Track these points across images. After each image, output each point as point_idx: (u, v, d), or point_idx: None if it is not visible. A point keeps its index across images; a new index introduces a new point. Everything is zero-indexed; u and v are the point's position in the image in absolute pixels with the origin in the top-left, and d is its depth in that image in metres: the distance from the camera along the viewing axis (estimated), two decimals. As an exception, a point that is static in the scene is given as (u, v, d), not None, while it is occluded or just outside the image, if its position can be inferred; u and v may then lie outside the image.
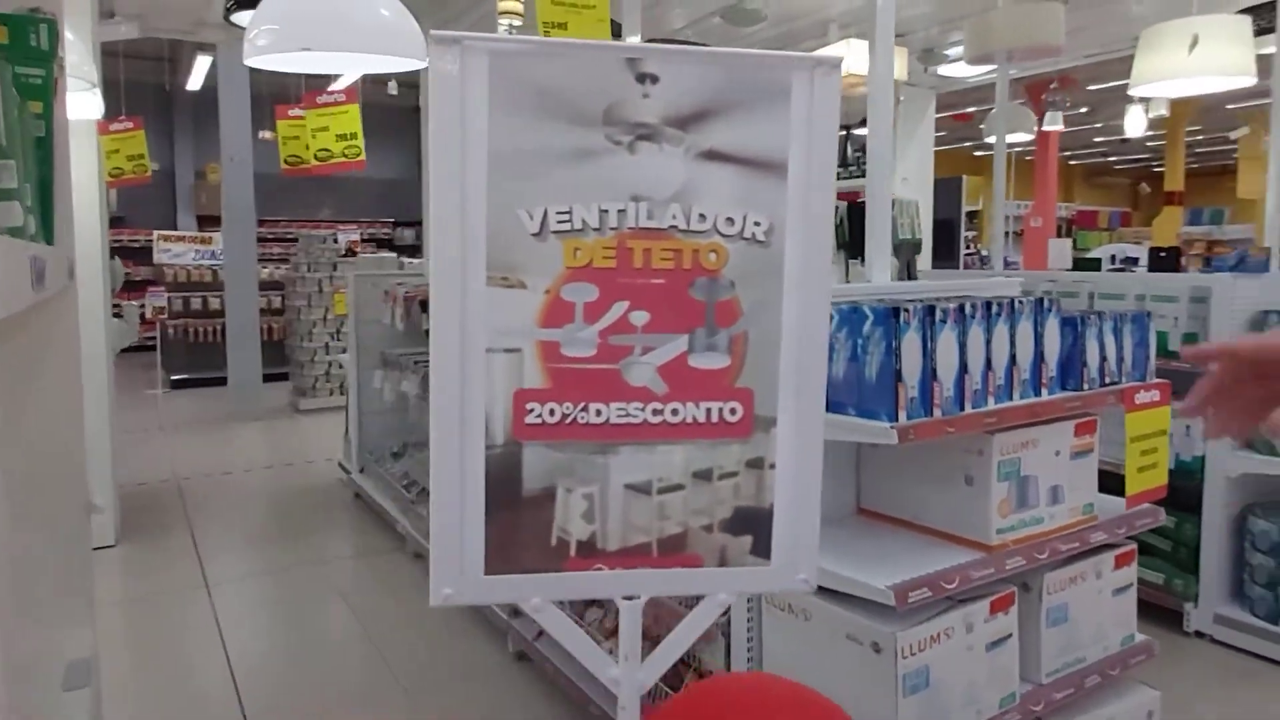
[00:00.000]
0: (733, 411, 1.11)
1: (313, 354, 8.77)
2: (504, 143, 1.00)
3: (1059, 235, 10.51)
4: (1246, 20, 3.73)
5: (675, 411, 1.09)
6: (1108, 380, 2.33)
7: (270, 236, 12.82)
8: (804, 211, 1.08)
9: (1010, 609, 2.08)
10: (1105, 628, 2.30)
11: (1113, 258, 9.19)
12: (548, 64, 0.99)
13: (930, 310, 2.00)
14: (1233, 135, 7.34)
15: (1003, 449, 2.09)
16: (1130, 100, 9.12)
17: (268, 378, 9.54)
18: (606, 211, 1.03)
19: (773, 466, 1.14)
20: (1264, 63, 4.13)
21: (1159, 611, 3.40)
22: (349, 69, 4.21)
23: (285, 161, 5.95)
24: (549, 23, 2.90)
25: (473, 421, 1.03)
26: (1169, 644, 3.27)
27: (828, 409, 1.94)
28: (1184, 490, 3.33)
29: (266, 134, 7.46)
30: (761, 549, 1.16)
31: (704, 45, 7.61)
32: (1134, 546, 2.38)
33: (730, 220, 1.08)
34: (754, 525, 1.15)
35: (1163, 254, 5.30)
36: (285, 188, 11.79)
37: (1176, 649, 3.29)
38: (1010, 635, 2.08)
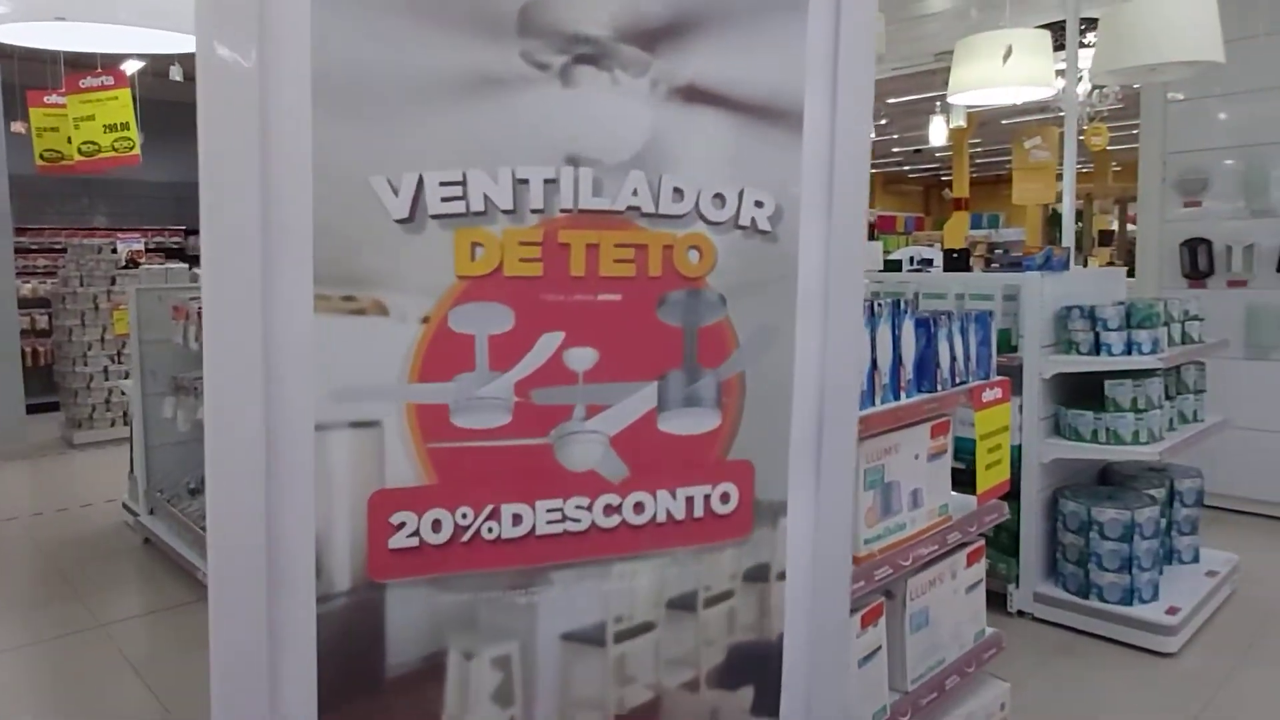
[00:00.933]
0: (724, 498, 0.68)
1: (88, 380, 7.76)
2: (340, 60, 0.53)
3: (869, 239, 11.17)
4: (1048, 35, 4.00)
5: (640, 507, 0.66)
6: (958, 380, 2.35)
7: (34, 247, 11.23)
8: (829, 187, 0.66)
9: (879, 620, 2.04)
10: (961, 626, 2.33)
11: (911, 259, 9.86)
12: None
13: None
14: (1025, 143, 8.08)
15: (868, 456, 2.05)
16: (934, 111, 9.79)
17: (34, 408, 8.31)
18: (526, 182, 0.59)
19: (782, 577, 0.72)
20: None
21: (987, 596, 3.56)
22: (117, 46, 3.62)
23: (40, 157, 5.13)
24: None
25: (292, 558, 0.55)
26: (997, 625, 3.42)
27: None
28: (1009, 481, 3.51)
29: (19, 126, 6.41)
30: (768, 705, 0.73)
31: None
32: (983, 543, 2.42)
33: (720, 199, 0.65)
34: (756, 670, 0.72)
35: (955, 255, 5.68)
36: (49, 190, 10.39)
37: (1004, 629, 3.43)
38: (880, 647, 2.04)
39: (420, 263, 0.59)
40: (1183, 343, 3.79)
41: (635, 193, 0.63)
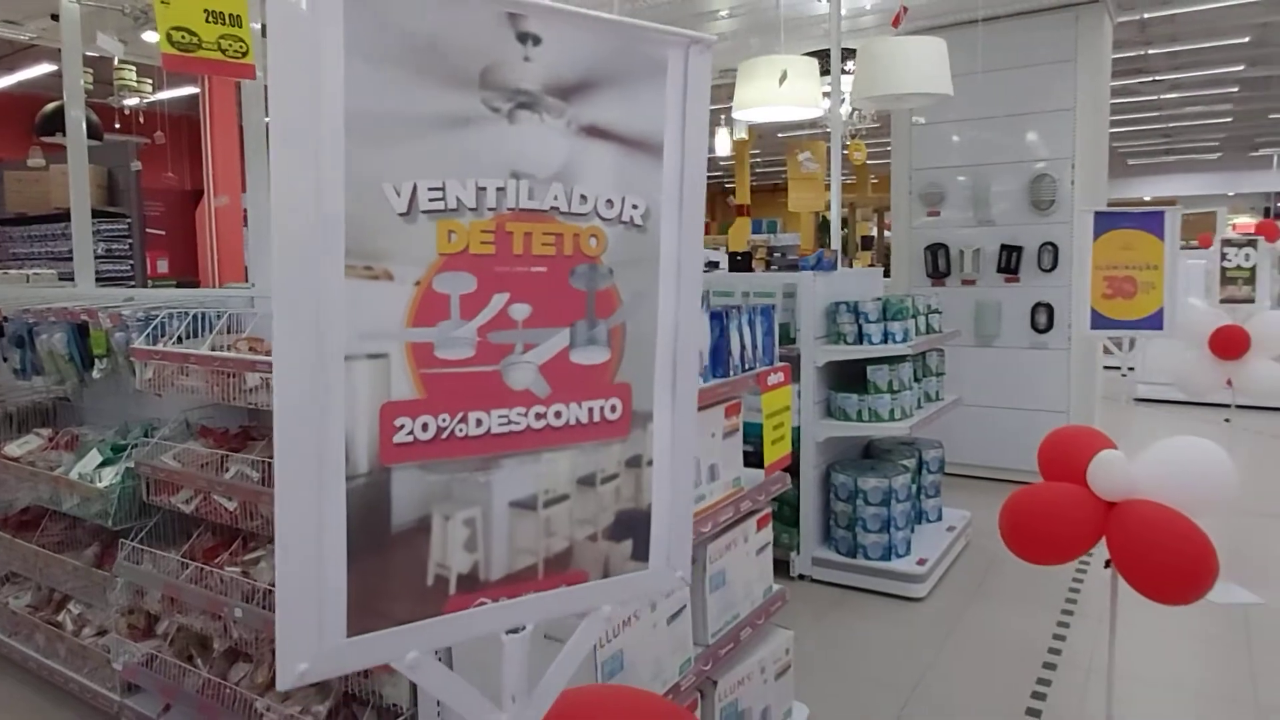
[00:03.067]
0: (613, 409, 1.03)
1: None
2: (365, 101, 0.82)
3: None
4: (815, 62, 4.48)
5: (558, 414, 0.99)
6: (748, 366, 2.64)
7: None
8: (679, 196, 1.03)
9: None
10: (752, 584, 2.62)
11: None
12: (418, 8, 0.84)
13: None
14: (799, 157, 8.88)
15: (671, 434, 2.27)
16: (719, 124, 10.43)
17: None
18: (484, 189, 0.90)
19: (650, 463, 1.07)
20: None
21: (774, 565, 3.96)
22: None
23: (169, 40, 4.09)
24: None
25: (330, 449, 0.82)
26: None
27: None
28: (790, 458, 3.92)
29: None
30: (640, 552, 1.10)
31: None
32: (770, 510, 2.74)
33: (610, 203, 0.99)
34: (634, 528, 1.08)
35: (739, 257, 6.21)
36: None
37: (788, 591, 3.86)
38: (685, 606, 2.27)
39: (414, 243, 0.88)
40: (927, 333, 4.41)
41: (556, 197, 0.95)
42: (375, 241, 0.83)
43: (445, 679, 0.96)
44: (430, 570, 0.90)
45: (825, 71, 4.96)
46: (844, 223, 15.79)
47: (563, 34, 0.91)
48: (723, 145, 10.12)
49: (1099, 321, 2.46)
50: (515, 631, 1.00)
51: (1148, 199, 23.89)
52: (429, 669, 0.93)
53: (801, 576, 4.02)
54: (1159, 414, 7.73)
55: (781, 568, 3.99)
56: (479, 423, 0.90)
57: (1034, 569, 2.25)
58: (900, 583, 3.80)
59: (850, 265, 11.18)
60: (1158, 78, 15.34)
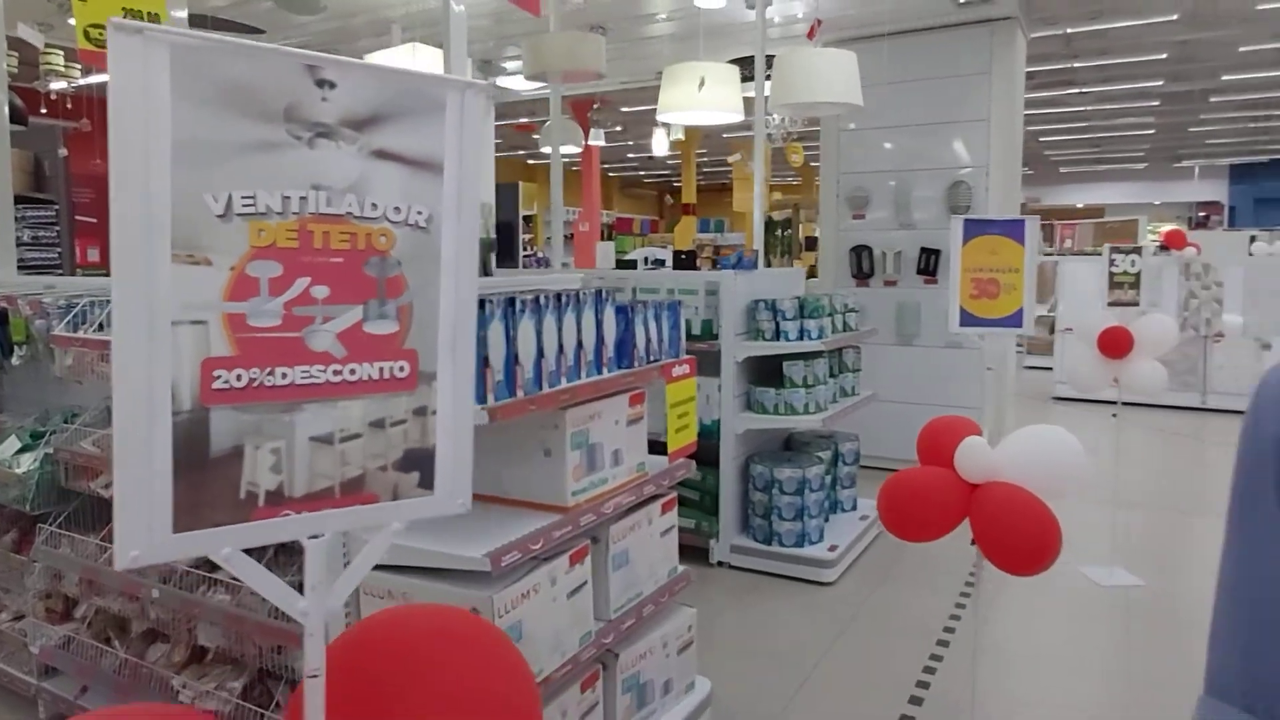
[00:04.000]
0: (401, 369, 1.27)
1: None
2: (189, 132, 1.04)
3: (603, 239, 11.82)
4: (737, 69, 4.66)
5: (353, 371, 1.22)
6: (653, 358, 2.79)
7: None
8: (457, 206, 1.28)
9: (585, 559, 2.41)
10: (656, 564, 2.77)
11: (646, 259, 10.67)
12: (231, 61, 1.06)
13: (511, 302, 2.23)
14: (729, 160, 9.10)
15: (575, 422, 2.41)
16: (656, 124, 10.62)
17: None
18: (289, 198, 1.12)
19: (434, 413, 1.31)
20: (749, 103, 5.18)
21: (693, 551, 4.13)
22: None
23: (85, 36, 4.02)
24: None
25: (158, 391, 1.05)
26: (701, 575, 4.00)
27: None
28: (706, 448, 4.09)
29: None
30: (427, 482, 1.33)
31: (250, 26, 6.97)
32: (675, 494, 2.89)
33: (398, 210, 1.23)
34: (420, 463, 1.32)
35: (683, 256, 6.39)
36: None
37: (706, 577, 4.04)
38: (586, 582, 2.41)
39: (229, 239, 1.10)
40: (844, 331, 4.61)
41: (350, 205, 1.20)
42: (197, 237, 1.07)
43: (254, 570, 1.17)
44: (243, 486, 1.13)
45: (746, 78, 5.15)
46: (788, 223, 16.07)
47: (354, 80, 1.16)
48: (659, 146, 10.30)
49: (966, 320, 2.66)
50: (316, 538, 1.23)
51: (1080, 205, 24.77)
52: (240, 561, 1.16)
53: (721, 563, 4.19)
54: (1072, 410, 8.10)
55: (702, 555, 4.17)
56: (284, 376, 1.14)
57: (938, 555, 2.44)
58: (811, 568, 4.00)
59: (792, 265, 11.43)
60: (1085, 89, 15.95)
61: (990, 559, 2.32)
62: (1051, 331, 9.40)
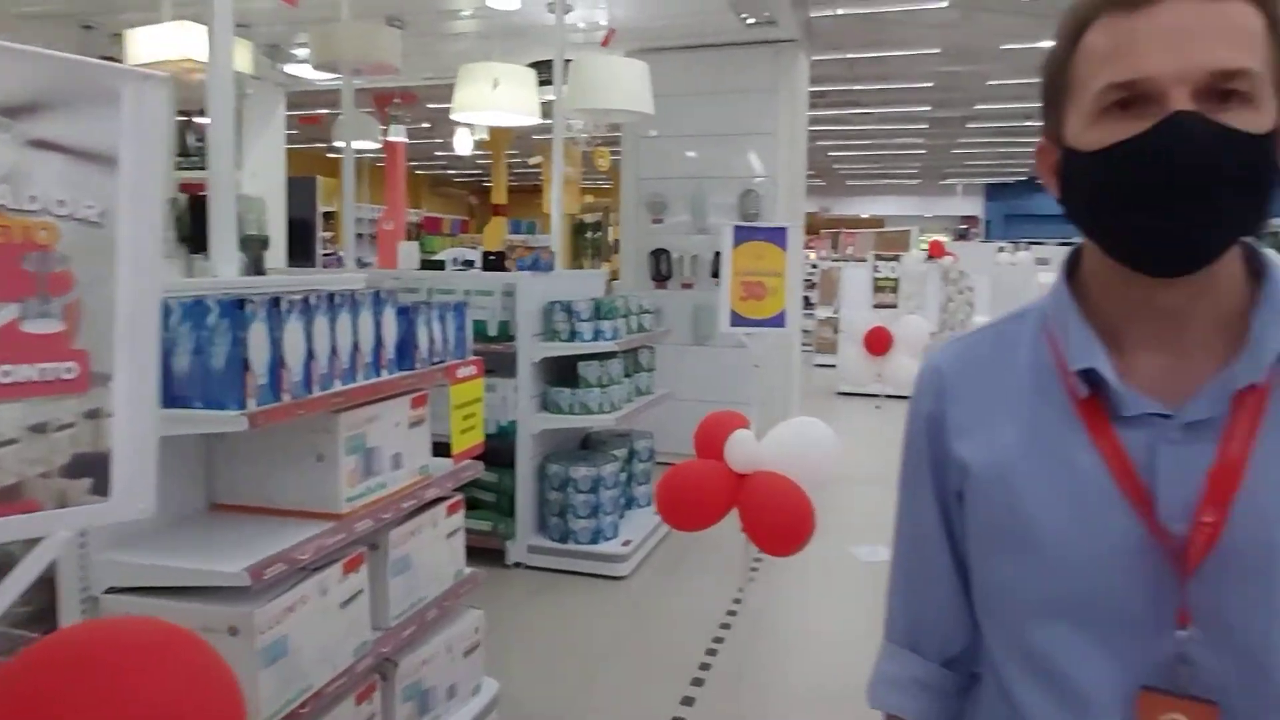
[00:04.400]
0: (70, 370, 1.19)
1: None
2: None
3: (409, 239, 11.49)
4: (533, 72, 4.69)
5: (7, 374, 1.13)
6: (436, 360, 2.76)
7: None
8: (134, 200, 1.20)
9: (361, 568, 2.34)
10: (441, 568, 2.74)
11: (455, 260, 10.47)
12: None
13: (276, 302, 2.13)
14: (530, 161, 9.15)
15: (349, 425, 2.33)
16: (458, 122, 10.45)
17: None
18: None
19: (110, 415, 1.24)
20: (548, 107, 5.23)
21: (489, 553, 4.11)
22: None
23: None
24: None
25: None
26: (497, 577, 3.99)
27: (172, 404, 1.93)
28: (503, 449, 4.09)
29: None
30: (101, 488, 1.25)
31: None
32: (461, 497, 2.87)
33: (62, 203, 1.15)
34: (93, 468, 1.24)
35: (492, 257, 6.34)
36: None
37: (502, 579, 4.03)
38: (362, 591, 2.34)
39: None
40: (639, 331, 4.76)
41: (3, 197, 1.11)
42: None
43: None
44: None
45: (544, 82, 5.19)
46: (599, 225, 16.30)
47: (10, 66, 1.09)
48: (463, 145, 10.15)
49: (736, 320, 2.84)
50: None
51: (865, 216, 26.93)
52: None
53: (517, 564, 4.20)
54: (850, 403, 8.72)
55: (498, 556, 4.15)
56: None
57: (726, 543, 2.57)
58: (605, 563, 4.09)
59: (602, 267, 11.57)
60: (867, 110, 17.38)
61: (755, 542, 2.50)
62: (835, 332, 10.16)
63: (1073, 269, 0.86)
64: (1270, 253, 0.82)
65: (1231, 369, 0.74)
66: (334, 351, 2.32)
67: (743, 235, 2.79)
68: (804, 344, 12.94)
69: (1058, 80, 0.79)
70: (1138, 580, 0.74)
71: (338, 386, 2.32)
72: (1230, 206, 0.70)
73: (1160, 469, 0.74)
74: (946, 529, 0.90)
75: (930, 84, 15.04)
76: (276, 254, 6.98)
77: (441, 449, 2.81)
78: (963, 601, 0.90)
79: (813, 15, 7.57)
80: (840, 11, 10.03)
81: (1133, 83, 0.70)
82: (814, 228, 22.95)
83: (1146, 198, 0.70)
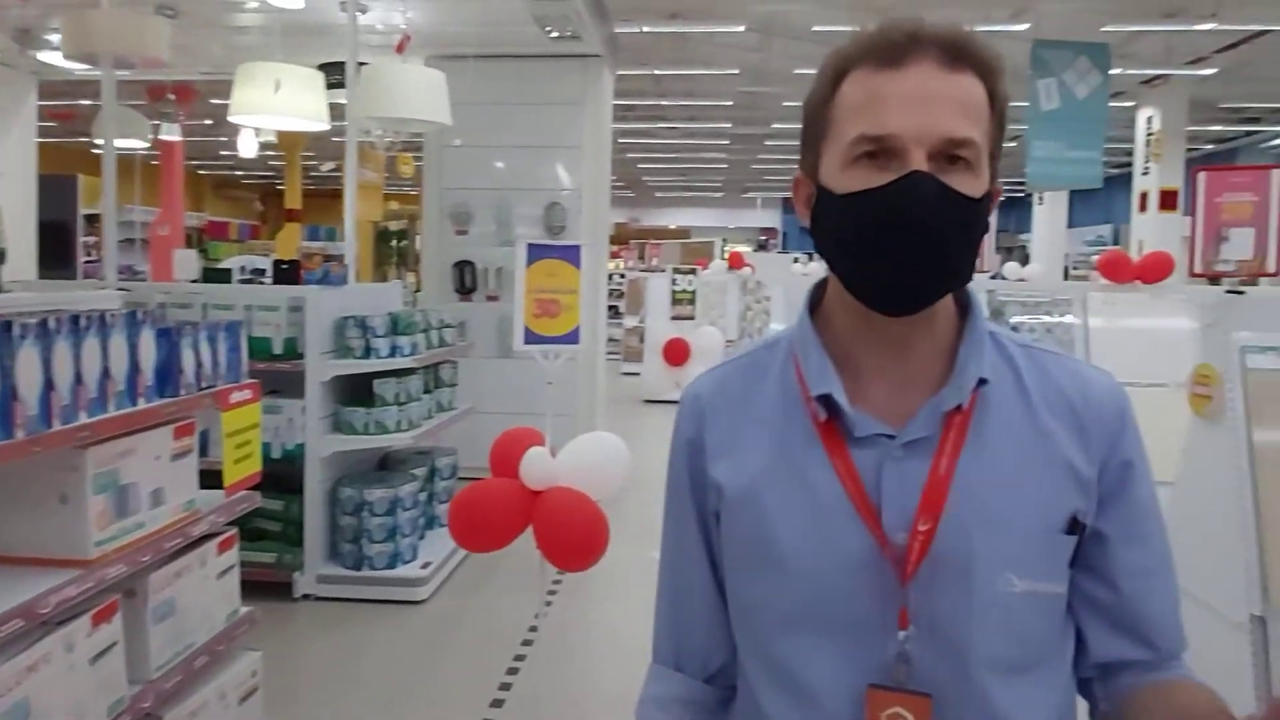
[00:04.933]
0: None
1: None
2: None
3: (189, 245, 10.57)
4: (320, 75, 4.47)
5: None
6: (204, 385, 2.55)
7: None
8: None
9: (114, 618, 2.12)
10: (212, 610, 2.53)
11: (243, 268, 9.75)
12: None
13: (7, 326, 1.90)
14: (323, 167, 8.70)
15: (99, 461, 2.11)
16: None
17: None
18: None
19: None
20: (340, 111, 5.00)
21: (274, 587, 3.86)
22: None
23: None
24: None
25: None
26: (282, 612, 3.75)
27: None
28: (288, 475, 3.85)
29: None
30: None
31: None
32: (235, 531, 2.67)
33: None
34: None
35: (285, 266, 5.94)
36: None
37: (288, 615, 3.79)
38: (115, 644, 2.12)
39: None
40: (440, 346, 4.64)
41: None
42: None
43: None
44: None
45: (334, 85, 4.97)
46: (403, 234, 15.76)
47: None
48: (247, 147, 9.51)
49: (530, 338, 2.85)
50: None
51: (672, 227, 27.83)
52: None
53: (306, 596, 3.96)
54: (656, 411, 8.91)
55: (285, 590, 3.90)
56: None
57: (529, 560, 2.54)
58: (404, 588, 3.95)
59: (406, 277, 11.18)
60: (673, 125, 17.99)
61: (549, 559, 2.50)
62: (641, 341, 10.41)
63: (816, 301, 0.94)
64: (974, 291, 0.93)
65: (942, 393, 0.84)
66: (79, 380, 2.09)
67: (536, 253, 2.80)
68: (611, 353, 13.18)
69: (817, 121, 0.86)
70: (867, 587, 0.82)
71: (83, 419, 2.09)
72: (951, 257, 0.80)
73: (885, 485, 0.82)
74: (707, 550, 0.94)
75: (731, 102, 15.82)
76: (24, 263, 6.21)
77: (217, 480, 2.61)
78: (723, 619, 0.95)
79: (618, 31, 7.75)
80: (645, 29, 10.35)
81: (881, 137, 0.78)
82: (623, 238, 23.45)
83: (884, 243, 0.78)
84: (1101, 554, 0.86)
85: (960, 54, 0.79)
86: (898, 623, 0.81)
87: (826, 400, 0.85)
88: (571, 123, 6.43)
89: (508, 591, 4.15)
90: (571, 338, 2.78)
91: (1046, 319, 4.50)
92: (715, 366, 0.99)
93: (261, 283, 6.39)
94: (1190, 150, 15.37)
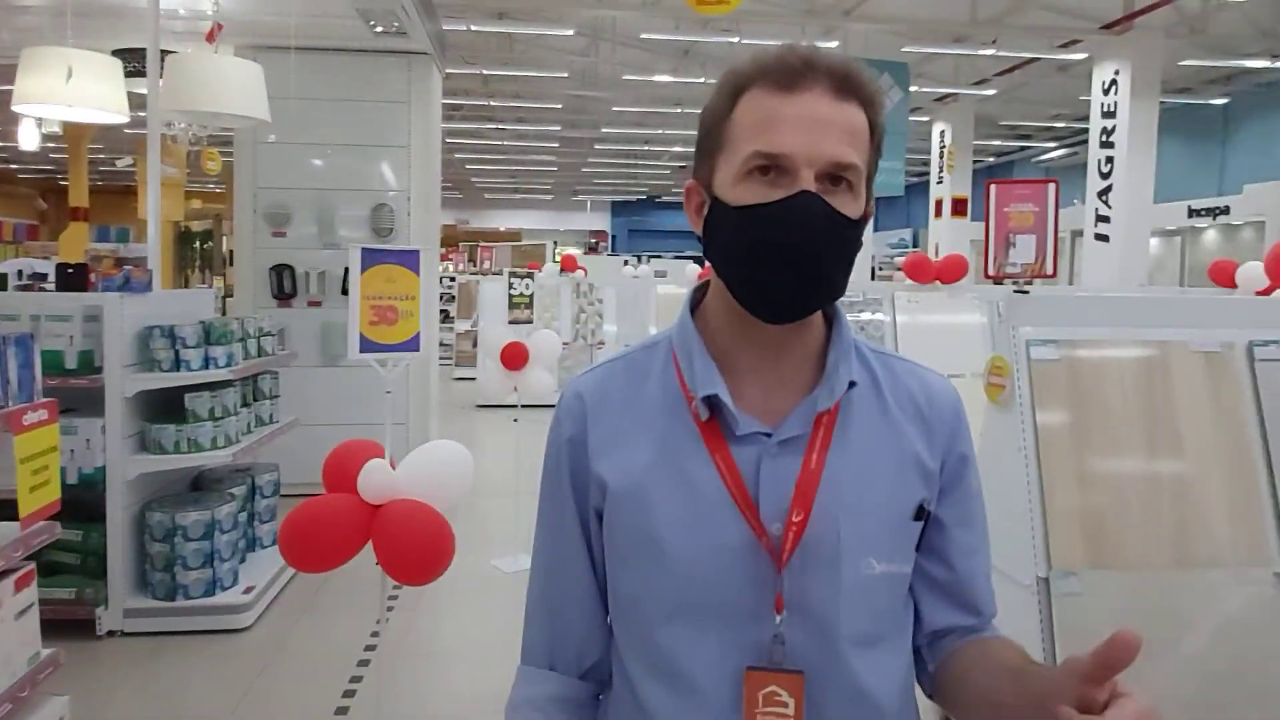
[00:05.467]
0: None
1: None
2: None
3: (-49, 244, 9.35)
4: (118, 62, 4.08)
5: None
6: (-13, 406, 2.28)
7: None
8: None
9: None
10: (12, 654, 2.27)
11: (20, 273, 8.67)
12: None
13: None
14: (119, 164, 7.91)
15: None
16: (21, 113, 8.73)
17: None
18: None
19: None
20: (138, 101, 4.58)
21: (75, 625, 3.49)
22: None
23: None
24: None
25: None
26: (85, 652, 3.41)
27: None
28: (87, 501, 3.50)
29: None
30: None
31: None
32: (33, 566, 2.40)
33: None
34: None
35: (70, 270, 5.35)
36: None
37: (93, 654, 3.45)
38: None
39: None
40: (258, 356, 4.36)
41: None
42: None
43: None
44: None
45: (135, 73, 4.56)
46: (209, 235, 14.64)
47: None
48: (29, 140, 8.54)
49: (366, 346, 2.75)
50: None
51: (503, 229, 27.55)
52: None
53: (112, 633, 3.60)
54: (489, 415, 8.82)
55: (87, 628, 3.54)
56: None
57: (365, 575, 2.41)
58: (225, 616, 3.69)
59: (213, 282, 10.41)
60: (503, 126, 17.81)
61: (392, 575, 2.42)
62: (474, 345, 10.24)
63: (696, 304, 0.98)
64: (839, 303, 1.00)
65: (814, 395, 0.91)
66: None
67: (372, 258, 2.69)
68: (444, 358, 12.88)
69: (714, 134, 0.90)
70: (745, 576, 0.87)
71: None
72: (831, 272, 0.87)
73: (762, 480, 0.88)
74: (587, 547, 0.97)
75: (560, 105, 15.86)
76: None
77: (10, 510, 2.33)
78: (600, 615, 0.98)
79: (445, 28, 7.57)
80: (474, 27, 10.19)
81: (775, 155, 0.83)
82: (452, 240, 22.94)
83: (773, 255, 0.84)
84: (940, 537, 0.97)
85: (848, 85, 0.85)
86: (774, 607, 0.87)
87: (709, 400, 0.89)
88: (398, 122, 6.23)
89: (341, 610, 3.97)
90: (411, 345, 2.70)
91: (859, 316, 4.85)
92: (592, 368, 1.02)
93: (44, 289, 5.75)
94: (976, 162, 17.01)
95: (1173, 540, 2.05)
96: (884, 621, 0.92)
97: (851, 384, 0.91)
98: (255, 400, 4.36)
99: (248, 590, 3.79)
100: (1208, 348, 2.19)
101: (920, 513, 0.93)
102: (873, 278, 16.04)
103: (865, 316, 4.91)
